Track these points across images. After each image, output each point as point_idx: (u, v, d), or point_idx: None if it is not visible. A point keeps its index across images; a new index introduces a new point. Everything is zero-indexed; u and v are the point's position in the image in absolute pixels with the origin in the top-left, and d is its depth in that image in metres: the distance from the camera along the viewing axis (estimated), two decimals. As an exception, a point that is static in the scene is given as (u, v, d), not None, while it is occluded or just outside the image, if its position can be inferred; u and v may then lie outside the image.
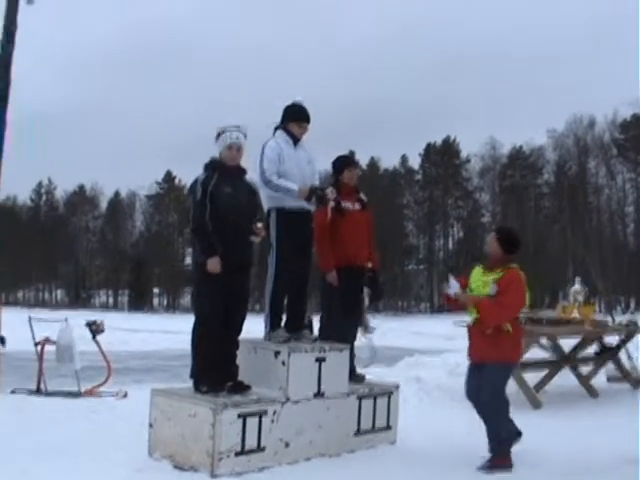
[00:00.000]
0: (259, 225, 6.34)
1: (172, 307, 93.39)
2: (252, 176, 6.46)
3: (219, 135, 6.22)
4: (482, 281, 6.05)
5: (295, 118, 6.65)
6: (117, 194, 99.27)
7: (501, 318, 5.87)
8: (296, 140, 6.64)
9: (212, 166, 6.18)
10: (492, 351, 5.89)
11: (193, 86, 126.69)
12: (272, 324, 6.61)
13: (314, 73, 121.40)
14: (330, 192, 6.59)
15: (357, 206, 7.26)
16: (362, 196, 7.40)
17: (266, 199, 6.61)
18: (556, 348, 10.29)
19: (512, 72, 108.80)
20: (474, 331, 6.11)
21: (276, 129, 6.72)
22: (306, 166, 6.69)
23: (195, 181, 6.12)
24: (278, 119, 6.75)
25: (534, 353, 10.46)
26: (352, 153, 70.17)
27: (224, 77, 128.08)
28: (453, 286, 6.32)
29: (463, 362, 12.26)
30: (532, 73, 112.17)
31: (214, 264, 5.94)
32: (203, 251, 5.99)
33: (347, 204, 7.11)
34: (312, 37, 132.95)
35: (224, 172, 6.13)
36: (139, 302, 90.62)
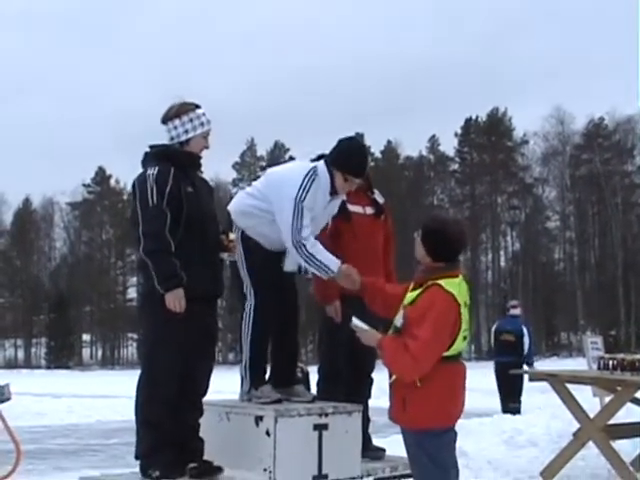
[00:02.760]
0: (232, 236, 6.36)
1: (110, 361, 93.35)
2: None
3: (182, 114, 6.15)
4: (403, 302, 5.53)
5: (344, 167, 6.53)
6: (27, 202, 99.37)
7: (407, 370, 5.30)
8: (334, 194, 6.64)
9: (166, 156, 6.14)
10: (399, 410, 5.44)
11: (138, 54, 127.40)
12: (252, 379, 6.61)
13: (311, 30, 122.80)
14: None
15: (369, 210, 7.24)
16: (377, 196, 7.40)
17: (243, 210, 6.65)
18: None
19: (587, 15, 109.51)
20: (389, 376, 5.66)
21: (320, 158, 6.65)
22: (323, 224, 6.76)
23: (143, 178, 6.03)
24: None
25: (630, 412, 10.46)
26: (360, 136, 70.56)
27: (178, 40, 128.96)
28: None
29: (525, 428, 12.37)
30: (615, 17, 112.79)
31: (176, 299, 5.89)
32: (163, 280, 5.90)
33: (354, 207, 7.13)
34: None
35: (182, 165, 6.13)
36: (62, 355, 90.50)
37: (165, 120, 6.19)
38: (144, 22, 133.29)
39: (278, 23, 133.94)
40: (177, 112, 6.16)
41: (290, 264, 6.61)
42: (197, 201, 6.07)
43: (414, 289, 5.44)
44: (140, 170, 6.16)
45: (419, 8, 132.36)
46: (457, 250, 5.52)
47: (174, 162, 6.07)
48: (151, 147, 6.25)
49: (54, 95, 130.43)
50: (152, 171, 5.99)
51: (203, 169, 6.41)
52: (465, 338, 5.37)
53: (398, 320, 5.40)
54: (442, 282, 5.31)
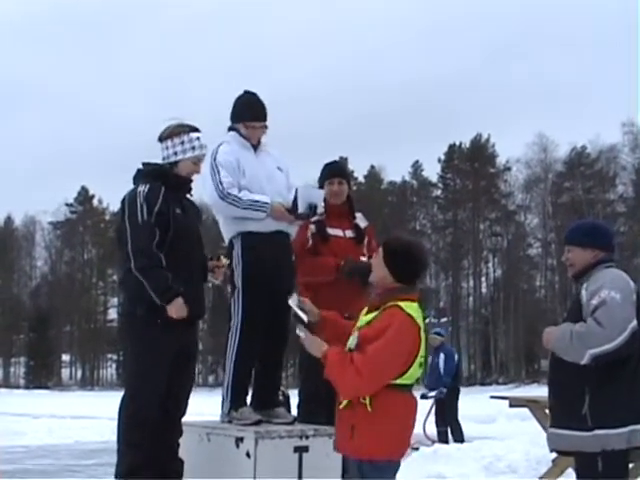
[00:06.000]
0: (224, 260, 6.44)
1: (89, 382, 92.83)
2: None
3: (174, 135, 6.24)
4: (358, 325, 5.27)
5: (241, 117, 6.79)
6: (8, 221, 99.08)
7: (349, 385, 5.00)
8: (253, 145, 6.79)
9: (158, 175, 6.19)
10: (346, 438, 5.15)
11: (130, 73, 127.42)
12: (233, 400, 6.60)
13: (297, 56, 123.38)
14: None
15: (350, 234, 7.28)
16: (359, 220, 7.42)
17: (224, 225, 6.68)
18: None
19: (568, 46, 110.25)
20: (337, 402, 5.29)
21: (229, 130, 6.88)
22: (277, 175, 6.81)
23: (133, 194, 6.08)
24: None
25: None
26: (344, 160, 70.74)
27: (175, 57, 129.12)
28: None
29: (504, 454, 12.35)
30: (597, 46, 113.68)
31: (178, 308, 5.96)
32: (161, 294, 5.95)
33: (334, 231, 7.17)
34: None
35: (172, 186, 6.19)
36: (41, 375, 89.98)
37: (160, 139, 6.30)
38: (136, 42, 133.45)
39: (264, 43, 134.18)
40: (170, 133, 6.26)
41: (302, 206, 6.69)
42: (184, 223, 6.13)
43: (369, 312, 5.22)
44: (129, 187, 6.23)
45: (404, 34, 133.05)
46: (420, 272, 5.30)
47: (165, 182, 6.13)
48: (144, 164, 6.32)
49: (38, 113, 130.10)
50: (143, 188, 6.05)
51: (193, 192, 6.47)
52: (421, 365, 5.10)
53: (352, 342, 5.10)
54: (401, 304, 5.06)
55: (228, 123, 6.87)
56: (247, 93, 6.86)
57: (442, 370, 17.60)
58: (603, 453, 5.60)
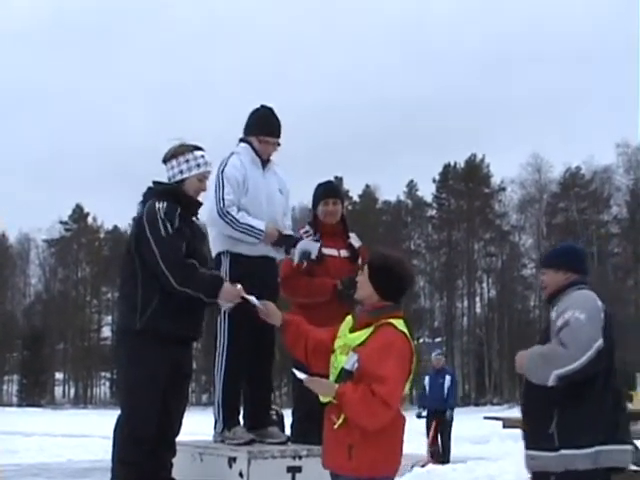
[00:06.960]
0: (238, 286, 6.37)
1: (83, 400, 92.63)
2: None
3: (178, 155, 6.26)
4: (344, 343, 5.20)
5: (255, 130, 6.82)
6: (3, 238, 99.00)
7: (380, 417, 4.94)
8: (263, 160, 6.81)
9: (172, 195, 6.20)
10: (343, 459, 5.06)
11: (127, 80, 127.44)
12: (225, 419, 6.59)
13: (294, 71, 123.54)
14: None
15: (344, 253, 7.27)
16: (353, 240, 7.42)
17: (215, 239, 6.70)
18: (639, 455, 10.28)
19: (563, 67, 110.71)
20: (326, 422, 5.23)
21: (240, 141, 6.92)
22: (277, 198, 6.84)
23: (152, 210, 6.06)
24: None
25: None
26: (339, 180, 70.87)
27: (175, 57, 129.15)
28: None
29: (498, 474, 12.34)
30: (592, 66, 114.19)
31: (229, 295, 6.02)
32: (210, 296, 6.01)
33: (329, 250, 7.16)
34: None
35: (183, 206, 6.20)
36: (34, 393, 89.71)
37: (164, 160, 6.32)
38: (136, 43, 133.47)
39: (262, 53, 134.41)
40: (174, 153, 6.29)
41: (298, 254, 6.82)
42: (193, 245, 6.14)
43: (356, 330, 5.16)
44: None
45: (400, 52, 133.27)
46: (406, 289, 5.30)
47: (177, 201, 6.16)
48: (155, 183, 6.35)
49: (35, 119, 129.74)
50: (161, 205, 6.07)
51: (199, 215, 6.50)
52: (411, 382, 5.17)
53: (348, 363, 5.02)
54: (393, 322, 5.07)
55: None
56: (264, 107, 6.91)
57: (447, 392, 17.64)
58: (563, 473, 5.61)
